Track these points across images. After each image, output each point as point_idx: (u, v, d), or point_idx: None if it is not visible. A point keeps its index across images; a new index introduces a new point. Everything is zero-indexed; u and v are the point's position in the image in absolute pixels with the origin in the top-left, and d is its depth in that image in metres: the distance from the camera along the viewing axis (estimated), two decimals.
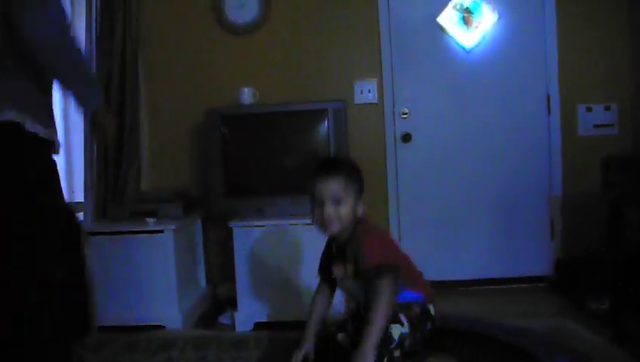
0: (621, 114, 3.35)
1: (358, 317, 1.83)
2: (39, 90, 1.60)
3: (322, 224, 1.73)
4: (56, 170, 1.66)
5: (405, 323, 1.67)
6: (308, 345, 1.90)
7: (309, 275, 2.87)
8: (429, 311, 1.79)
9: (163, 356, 2.51)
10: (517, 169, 3.41)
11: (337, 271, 1.79)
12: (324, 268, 1.91)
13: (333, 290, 1.96)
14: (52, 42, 1.49)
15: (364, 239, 1.70)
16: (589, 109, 3.38)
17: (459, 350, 1.99)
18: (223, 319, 3.07)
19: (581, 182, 3.32)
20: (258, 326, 2.90)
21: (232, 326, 2.93)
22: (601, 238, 2.61)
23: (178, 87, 3.53)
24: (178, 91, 3.53)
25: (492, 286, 3.41)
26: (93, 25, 3.32)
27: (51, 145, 1.64)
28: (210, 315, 3.18)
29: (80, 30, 3.36)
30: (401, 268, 1.73)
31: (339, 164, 1.78)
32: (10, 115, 1.47)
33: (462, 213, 3.45)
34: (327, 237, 1.88)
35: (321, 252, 1.95)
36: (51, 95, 1.72)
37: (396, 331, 1.64)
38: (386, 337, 1.62)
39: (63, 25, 1.52)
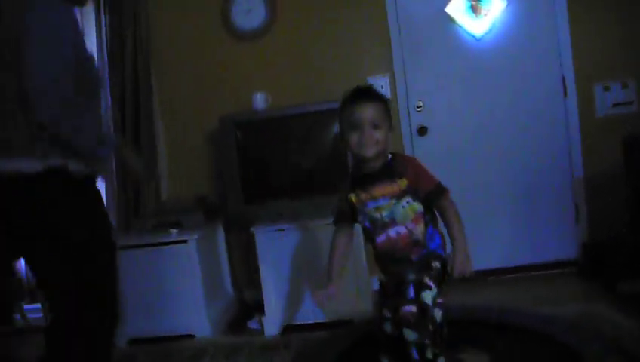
0: (639, 90, 3.29)
1: (390, 269, 1.89)
2: None
3: (360, 146, 1.77)
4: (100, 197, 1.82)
5: (433, 286, 1.72)
6: (332, 287, 1.92)
7: None
8: (445, 260, 1.84)
9: None
10: (536, 154, 3.37)
11: (380, 191, 1.81)
12: (343, 207, 1.93)
13: (352, 232, 2.00)
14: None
15: (416, 164, 1.84)
16: (606, 88, 3.32)
17: (490, 343, 1.98)
18: (252, 324, 3.09)
19: (602, 163, 3.26)
20: (287, 329, 2.92)
21: (261, 331, 2.95)
22: (625, 219, 2.57)
23: (191, 96, 3.55)
24: (191, 100, 3.55)
25: (518, 274, 3.37)
26: (104, 40, 3.36)
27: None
28: (239, 321, 3.21)
29: (91, 47, 3.40)
30: None
31: (377, 93, 1.86)
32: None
33: (483, 202, 3.42)
34: (347, 176, 1.97)
35: (338, 196, 1.97)
36: None
37: (428, 297, 1.70)
38: (425, 308, 1.69)
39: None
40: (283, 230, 2.92)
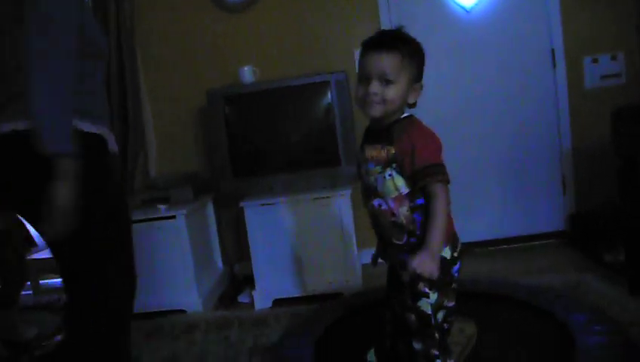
0: (628, 63, 3.28)
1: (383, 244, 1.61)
2: None
3: (363, 102, 1.47)
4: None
5: (431, 293, 1.49)
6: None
7: (323, 249, 2.90)
8: (445, 259, 1.49)
9: (186, 340, 2.55)
10: (525, 126, 3.38)
11: (370, 153, 1.52)
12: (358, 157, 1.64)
13: None
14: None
15: (419, 133, 1.46)
16: (594, 60, 3.31)
17: (478, 312, 2.01)
18: (242, 298, 3.11)
19: (590, 135, 3.28)
20: (277, 302, 2.94)
21: (252, 305, 2.97)
22: (613, 190, 2.59)
23: (178, 71, 3.50)
24: (178, 75, 3.50)
25: (507, 246, 3.41)
26: None
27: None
28: (229, 295, 3.23)
29: None
30: None
31: (399, 40, 1.47)
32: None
33: (472, 175, 3.43)
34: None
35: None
36: None
37: (426, 306, 1.49)
38: (424, 317, 1.50)
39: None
40: (273, 204, 2.91)
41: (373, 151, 1.51)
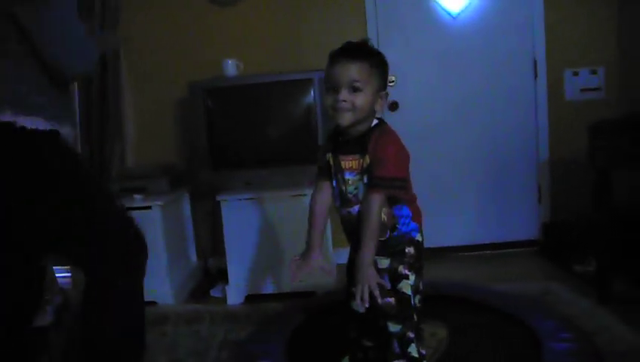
0: (608, 77, 3.34)
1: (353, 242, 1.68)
2: None
3: (334, 110, 1.53)
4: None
5: (410, 274, 1.58)
6: (315, 254, 1.73)
7: (298, 246, 2.88)
8: (420, 243, 1.66)
9: (156, 332, 2.52)
10: (504, 134, 3.41)
11: (348, 163, 1.59)
12: (321, 162, 1.69)
13: (330, 188, 1.69)
14: None
15: (387, 143, 1.55)
16: (575, 73, 3.36)
17: (449, 316, 2.02)
18: (214, 292, 3.09)
19: (568, 146, 3.33)
20: (249, 298, 2.92)
21: (224, 299, 2.95)
22: (587, 202, 2.64)
23: (160, 61, 3.46)
24: (160, 65, 3.46)
25: (481, 252, 3.44)
26: None
27: None
28: (202, 289, 3.20)
29: None
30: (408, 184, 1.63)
31: (365, 51, 1.57)
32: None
33: (450, 180, 3.46)
34: (330, 130, 1.70)
35: (320, 153, 1.73)
36: None
37: (407, 287, 1.58)
38: (404, 298, 1.58)
39: None
40: (250, 199, 2.90)
41: (352, 162, 1.58)
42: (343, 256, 3.09)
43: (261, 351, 1.94)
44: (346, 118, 1.53)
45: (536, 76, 3.36)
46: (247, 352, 2.04)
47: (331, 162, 1.64)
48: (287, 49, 3.38)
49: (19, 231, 1.57)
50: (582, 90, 3.36)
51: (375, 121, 1.60)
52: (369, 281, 1.48)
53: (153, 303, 2.89)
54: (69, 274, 3.02)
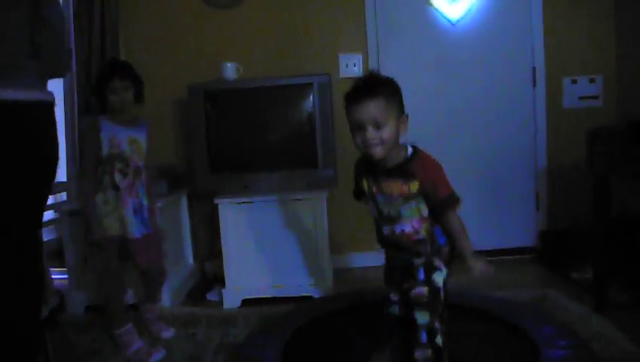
0: (606, 86, 3.36)
1: (391, 254, 1.84)
2: None
3: (365, 148, 1.64)
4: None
5: (443, 268, 1.71)
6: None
7: (296, 251, 2.89)
8: (448, 251, 1.79)
9: (152, 334, 2.50)
10: (503, 142, 3.42)
11: (389, 188, 1.69)
12: (359, 188, 1.82)
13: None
14: None
15: (433, 168, 1.70)
16: (574, 81, 3.38)
17: (447, 323, 2.01)
18: (211, 296, 3.08)
19: (566, 153, 3.34)
20: (246, 302, 2.91)
21: (220, 303, 2.94)
22: (586, 210, 2.64)
23: (160, 63, 3.46)
24: (160, 67, 3.46)
25: None
26: (71, 3, 3.24)
27: None
28: (198, 292, 3.19)
29: None
30: None
31: (377, 85, 1.64)
32: None
33: None
34: (359, 158, 1.82)
35: (355, 174, 1.85)
36: None
37: (439, 278, 1.70)
38: (435, 289, 1.69)
39: None
40: (248, 203, 2.89)
41: (394, 186, 1.69)
42: (339, 261, 3.10)
43: (258, 356, 1.93)
44: (378, 153, 1.63)
45: (535, 84, 3.38)
46: (243, 356, 2.03)
47: (366, 187, 1.76)
48: (286, 53, 3.39)
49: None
50: (580, 98, 3.38)
51: (410, 150, 1.71)
52: (481, 267, 1.67)
53: None
54: (65, 277, 3.01)
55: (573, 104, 3.38)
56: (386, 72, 3.41)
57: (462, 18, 3.35)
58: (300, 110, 2.97)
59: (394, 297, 1.80)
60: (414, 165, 1.67)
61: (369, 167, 1.75)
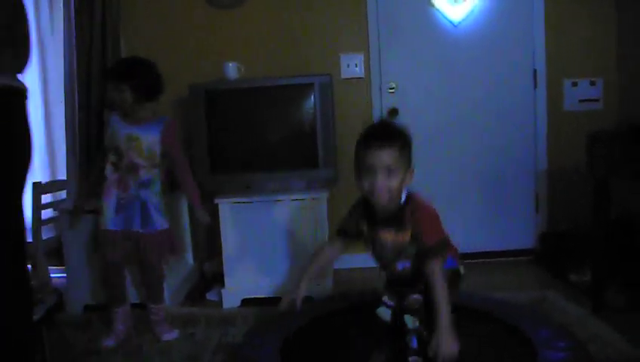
0: (606, 89, 3.36)
1: (394, 287, 1.83)
2: None
3: (371, 193, 1.66)
4: None
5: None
6: (302, 291, 1.89)
7: (296, 251, 2.89)
8: (459, 272, 1.83)
9: (151, 334, 2.51)
10: (504, 143, 3.42)
11: (384, 235, 1.74)
12: (349, 227, 1.85)
13: (344, 249, 1.91)
14: None
15: (422, 215, 1.70)
16: (574, 84, 3.38)
17: None
18: (211, 295, 3.08)
19: (566, 156, 3.34)
20: (245, 302, 2.91)
21: (220, 303, 2.94)
22: (585, 212, 2.65)
23: (161, 62, 3.40)
24: (161, 66, 3.41)
25: (478, 260, 3.44)
26: (72, 2, 3.25)
27: None
28: (198, 292, 3.19)
29: (57, 3, 3.29)
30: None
31: (395, 133, 1.68)
32: None
33: (449, 188, 3.46)
34: (360, 200, 1.83)
35: (348, 212, 1.87)
36: None
37: None
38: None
39: None
40: (248, 202, 2.90)
41: (388, 235, 1.73)
42: (338, 261, 3.10)
43: (256, 356, 1.93)
44: (384, 200, 1.66)
45: (535, 86, 3.38)
46: (242, 356, 2.03)
47: (366, 231, 1.80)
48: (288, 53, 3.40)
49: None
50: (580, 101, 3.38)
51: (404, 197, 1.72)
52: (448, 348, 1.55)
53: None
54: (64, 275, 3.02)
55: (573, 106, 3.39)
56: (387, 71, 3.46)
57: (464, 20, 3.36)
58: (301, 110, 2.97)
59: (388, 301, 1.81)
60: (406, 212, 1.69)
61: (368, 213, 1.78)
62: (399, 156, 1.64)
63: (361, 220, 1.81)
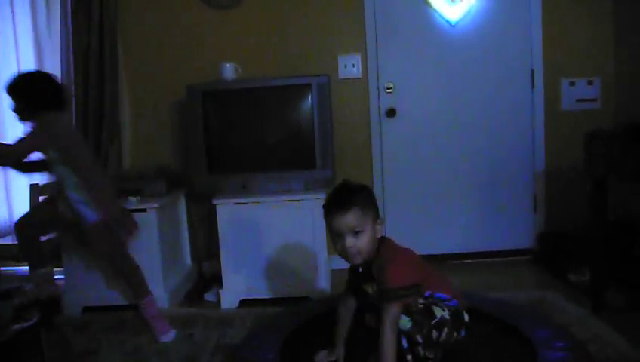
0: (604, 88, 3.36)
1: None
2: None
3: (345, 255, 1.73)
4: None
5: (446, 313, 1.70)
6: (339, 350, 1.88)
7: (294, 251, 2.89)
8: (461, 314, 1.78)
9: (149, 335, 2.50)
10: (501, 143, 3.42)
11: (368, 289, 1.78)
12: (351, 285, 1.89)
13: (355, 301, 1.90)
14: None
15: (388, 258, 1.72)
16: (572, 84, 3.38)
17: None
18: (209, 296, 3.07)
19: (564, 155, 3.34)
20: (243, 302, 2.91)
21: (218, 304, 2.94)
22: (584, 212, 2.64)
23: (159, 63, 3.46)
24: (159, 67, 3.46)
25: (477, 260, 3.44)
26: (69, 3, 3.24)
27: None
28: (196, 293, 3.18)
29: (54, 3, 3.29)
30: (425, 280, 1.75)
31: (352, 195, 1.72)
32: None
33: (446, 188, 3.46)
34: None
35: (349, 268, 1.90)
36: None
37: (439, 312, 1.70)
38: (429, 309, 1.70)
39: None
40: (246, 203, 2.89)
41: (369, 288, 1.76)
42: (336, 262, 3.09)
43: (255, 357, 1.92)
44: (357, 259, 1.72)
45: (533, 86, 3.38)
46: (240, 357, 2.02)
47: (357, 288, 1.83)
48: (285, 54, 3.39)
49: None
50: (578, 101, 3.38)
51: (376, 245, 1.74)
52: None
53: None
54: (62, 277, 3.00)
55: (571, 106, 3.39)
56: (385, 72, 3.47)
57: (461, 20, 3.36)
58: (299, 111, 2.97)
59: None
60: (375, 262, 1.73)
61: (354, 271, 1.83)
62: (362, 215, 1.68)
63: (353, 277, 1.86)
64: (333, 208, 1.71)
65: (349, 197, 1.71)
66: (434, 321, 1.68)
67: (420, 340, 1.65)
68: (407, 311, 1.67)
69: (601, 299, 2.49)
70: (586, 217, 2.61)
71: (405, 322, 1.66)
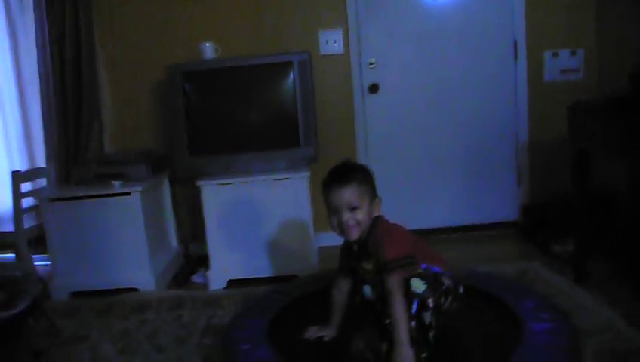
0: (587, 59, 3.36)
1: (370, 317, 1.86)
2: None
3: (341, 230, 1.76)
4: None
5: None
6: (331, 327, 1.92)
7: (280, 230, 2.89)
8: (458, 286, 1.80)
9: (138, 318, 2.50)
10: (485, 116, 3.43)
11: (366, 267, 1.80)
12: (343, 266, 1.92)
13: (349, 281, 1.93)
14: None
15: (382, 238, 1.74)
16: (555, 55, 3.37)
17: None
18: (196, 278, 3.08)
19: (547, 128, 3.35)
20: (231, 283, 2.91)
21: (206, 285, 2.94)
22: (567, 183, 2.66)
23: (137, 44, 3.39)
24: (137, 48, 3.39)
25: (462, 234, 3.47)
26: None
27: None
28: (183, 275, 3.18)
29: None
30: (419, 253, 1.77)
31: (351, 172, 1.77)
32: None
33: (431, 162, 3.47)
34: (345, 242, 1.89)
35: (340, 252, 1.94)
36: None
37: (445, 279, 1.74)
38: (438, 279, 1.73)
39: None
40: (230, 183, 2.88)
41: (368, 265, 1.78)
42: (322, 239, 3.10)
43: (244, 337, 1.93)
44: (353, 234, 1.75)
45: (516, 57, 3.37)
46: (230, 338, 2.03)
47: (355, 268, 1.85)
48: (265, 31, 3.34)
49: None
50: (561, 72, 3.38)
51: (370, 226, 1.77)
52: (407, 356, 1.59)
53: (134, 290, 2.88)
54: (48, 263, 2.98)
55: (554, 77, 3.39)
56: (367, 46, 3.42)
57: None
58: (281, 89, 2.94)
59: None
60: (370, 238, 1.76)
61: (349, 250, 1.86)
62: (360, 191, 1.73)
63: (347, 258, 1.88)
64: (331, 183, 1.75)
65: (347, 173, 1.76)
66: (443, 287, 1.72)
67: (432, 304, 1.67)
68: (419, 276, 1.69)
69: (584, 268, 2.52)
70: (569, 189, 2.62)
71: (420, 285, 1.67)
